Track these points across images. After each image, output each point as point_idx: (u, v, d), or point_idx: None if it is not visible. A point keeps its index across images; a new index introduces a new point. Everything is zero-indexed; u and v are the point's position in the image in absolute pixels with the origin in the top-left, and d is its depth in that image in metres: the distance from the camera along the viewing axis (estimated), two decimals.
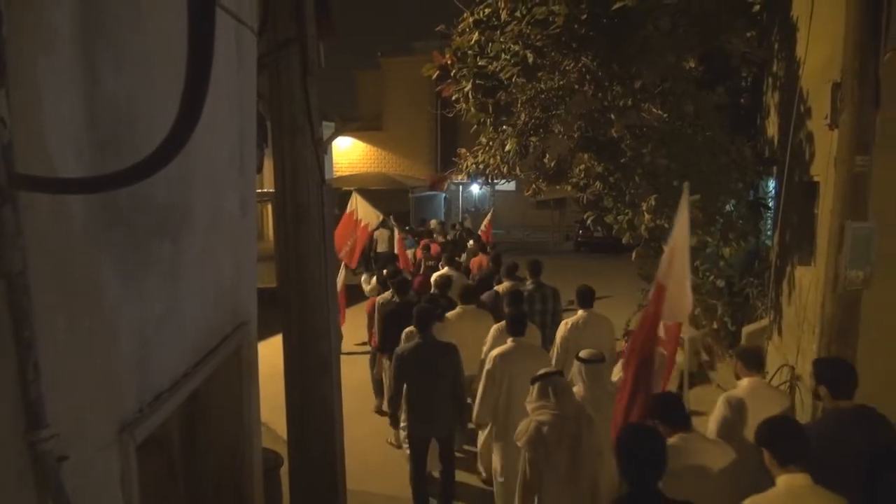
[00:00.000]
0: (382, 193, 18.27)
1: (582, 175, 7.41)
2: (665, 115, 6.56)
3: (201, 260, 2.48)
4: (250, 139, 3.31)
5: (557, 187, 8.57)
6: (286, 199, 3.58)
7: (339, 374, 3.89)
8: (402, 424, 5.47)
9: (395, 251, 10.43)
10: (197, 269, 2.42)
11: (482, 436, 5.60)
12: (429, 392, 4.72)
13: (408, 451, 5.17)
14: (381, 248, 13.99)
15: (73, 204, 1.53)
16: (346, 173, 24.85)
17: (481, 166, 7.82)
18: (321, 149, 3.63)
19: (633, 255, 7.46)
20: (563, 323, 5.83)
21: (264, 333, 3.60)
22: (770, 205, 7.68)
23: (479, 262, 9.94)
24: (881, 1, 3.88)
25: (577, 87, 6.78)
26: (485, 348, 5.38)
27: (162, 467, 2.86)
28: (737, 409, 3.76)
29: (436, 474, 5.07)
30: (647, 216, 6.49)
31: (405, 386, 4.80)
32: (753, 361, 3.99)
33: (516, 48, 6.43)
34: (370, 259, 13.36)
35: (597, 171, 7.17)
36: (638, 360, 3.71)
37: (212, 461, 3.06)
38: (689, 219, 4.10)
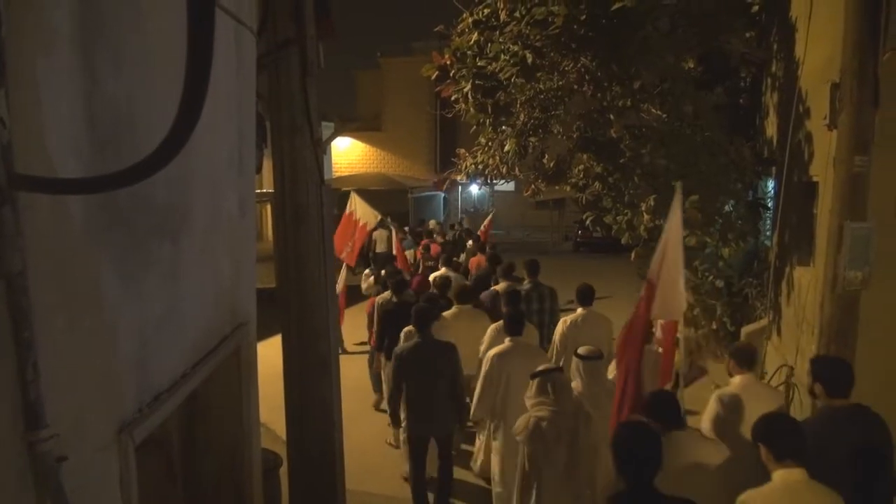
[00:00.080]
0: (381, 194, 18.26)
1: (581, 175, 7.41)
2: (664, 116, 6.57)
3: (201, 260, 2.48)
4: (249, 139, 3.31)
5: (556, 188, 8.58)
6: (285, 200, 3.58)
7: (338, 374, 3.89)
8: (403, 425, 5.48)
9: (394, 252, 10.44)
10: (196, 270, 2.42)
11: (479, 444, 5.63)
12: (428, 391, 4.73)
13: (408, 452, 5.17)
14: (380, 248, 14.00)
15: (73, 204, 1.53)
16: (346, 174, 24.84)
17: (480, 167, 7.83)
18: (320, 149, 3.63)
19: (633, 255, 7.46)
20: (561, 321, 5.85)
21: (263, 334, 3.60)
22: (769, 205, 7.69)
23: (477, 262, 9.96)
24: (880, 1, 3.89)
25: (576, 87, 6.79)
26: (481, 348, 5.40)
27: (161, 468, 2.86)
28: (729, 407, 3.79)
29: (434, 474, 5.07)
30: (646, 216, 6.50)
31: (404, 385, 4.80)
32: (745, 359, 4.01)
33: (515, 48, 6.43)
34: (369, 259, 13.37)
35: (596, 172, 7.17)
36: (627, 356, 3.76)
37: (211, 462, 3.06)
38: (684, 218, 4.13)
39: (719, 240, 6.95)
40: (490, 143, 7.64)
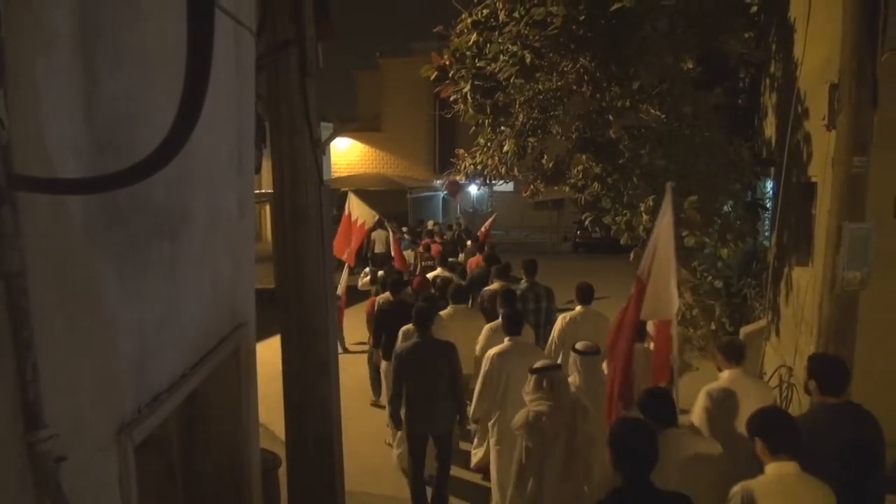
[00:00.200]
0: (381, 194, 18.25)
1: (580, 176, 7.42)
2: (663, 116, 6.58)
3: (200, 260, 2.48)
4: (249, 140, 3.30)
5: (555, 188, 8.59)
6: (285, 200, 3.58)
7: (337, 374, 3.89)
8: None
9: (392, 253, 10.46)
10: (195, 270, 2.42)
11: (477, 441, 5.64)
12: (427, 391, 4.73)
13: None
14: (379, 248, 14.01)
15: (72, 204, 1.53)
16: (345, 174, 24.83)
17: (479, 167, 7.84)
18: (319, 149, 3.63)
19: (632, 255, 7.45)
20: (560, 317, 5.88)
21: (263, 334, 3.59)
22: (768, 205, 7.70)
23: (476, 261, 10.00)
24: (878, 2, 3.90)
25: (575, 87, 6.80)
26: (477, 347, 5.43)
27: (160, 468, 2.85)
28: (718, 401, 3.83)
29: (433, 473, 5.08)
30: (645, 217, 6.50)
31: (404, 386, 4.81)
32: (733, 354, 4.04)
33: (514, 49, 6.44)
34: (367, 259, 13.37)
35: (595, 172, 7.18)
36: (616, 354, 3.82)
37: (210, 462, 3.05)
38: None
39: (718, 240, 6.96)
40: (489, 144, 7.64)
